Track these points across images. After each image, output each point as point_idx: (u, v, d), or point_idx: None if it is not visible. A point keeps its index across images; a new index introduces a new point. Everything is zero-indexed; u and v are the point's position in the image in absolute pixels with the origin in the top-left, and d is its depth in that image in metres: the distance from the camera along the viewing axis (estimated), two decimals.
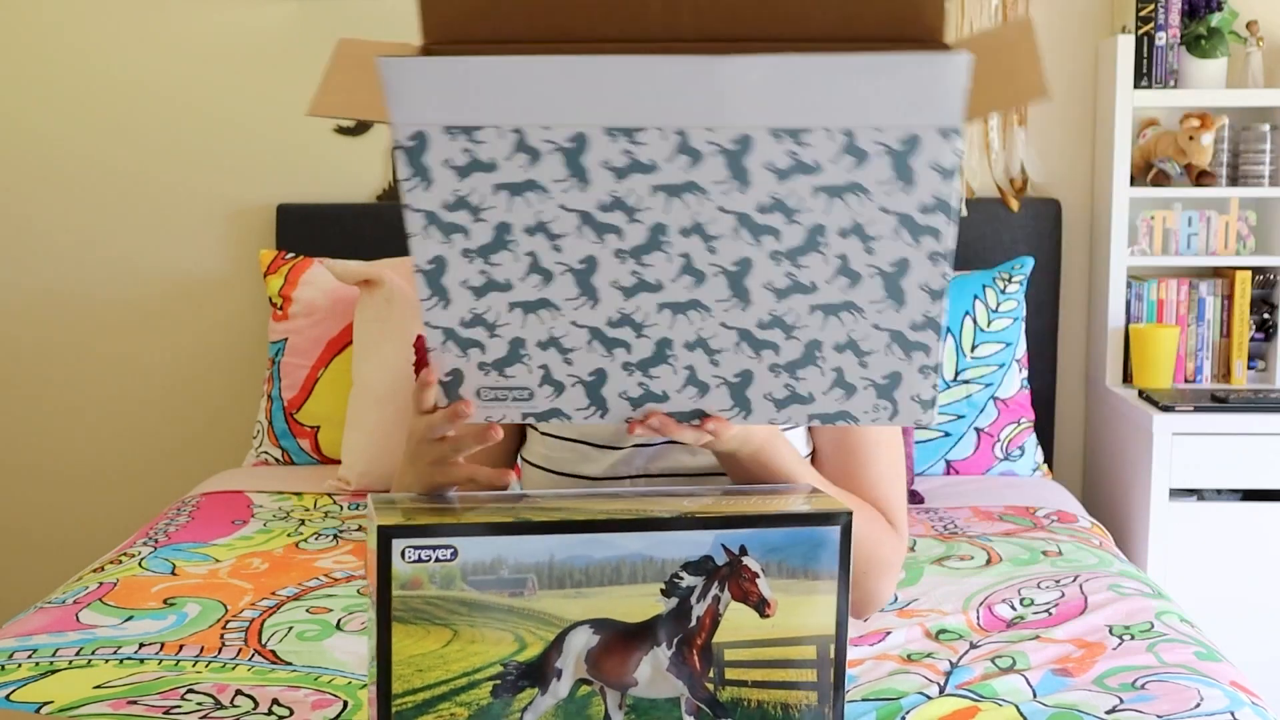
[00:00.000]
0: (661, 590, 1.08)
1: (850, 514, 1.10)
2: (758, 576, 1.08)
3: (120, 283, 3.24)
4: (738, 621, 1.09)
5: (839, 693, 1.10)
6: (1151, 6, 2.91)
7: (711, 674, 1.09)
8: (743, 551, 1.08)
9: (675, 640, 1.09)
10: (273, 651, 1.85)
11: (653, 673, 1.09)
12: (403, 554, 1.03)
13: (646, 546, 1.07)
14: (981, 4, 2.99)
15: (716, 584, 1.08)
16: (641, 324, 1.05)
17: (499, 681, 1.06)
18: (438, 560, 1.04)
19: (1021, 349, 2.86)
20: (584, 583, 1.06)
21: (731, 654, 1.09)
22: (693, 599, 1.08)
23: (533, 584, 1.06)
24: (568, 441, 1.40)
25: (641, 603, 1.08)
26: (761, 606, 1.09)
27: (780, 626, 1.09)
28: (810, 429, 1.42)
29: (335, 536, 2.40)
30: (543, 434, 1.43)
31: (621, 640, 1.08)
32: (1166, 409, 2.72)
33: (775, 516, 1.10)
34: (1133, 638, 1.85)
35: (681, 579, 1.08)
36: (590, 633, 1.07)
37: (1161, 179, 2.98)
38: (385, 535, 1.03)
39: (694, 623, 1.09)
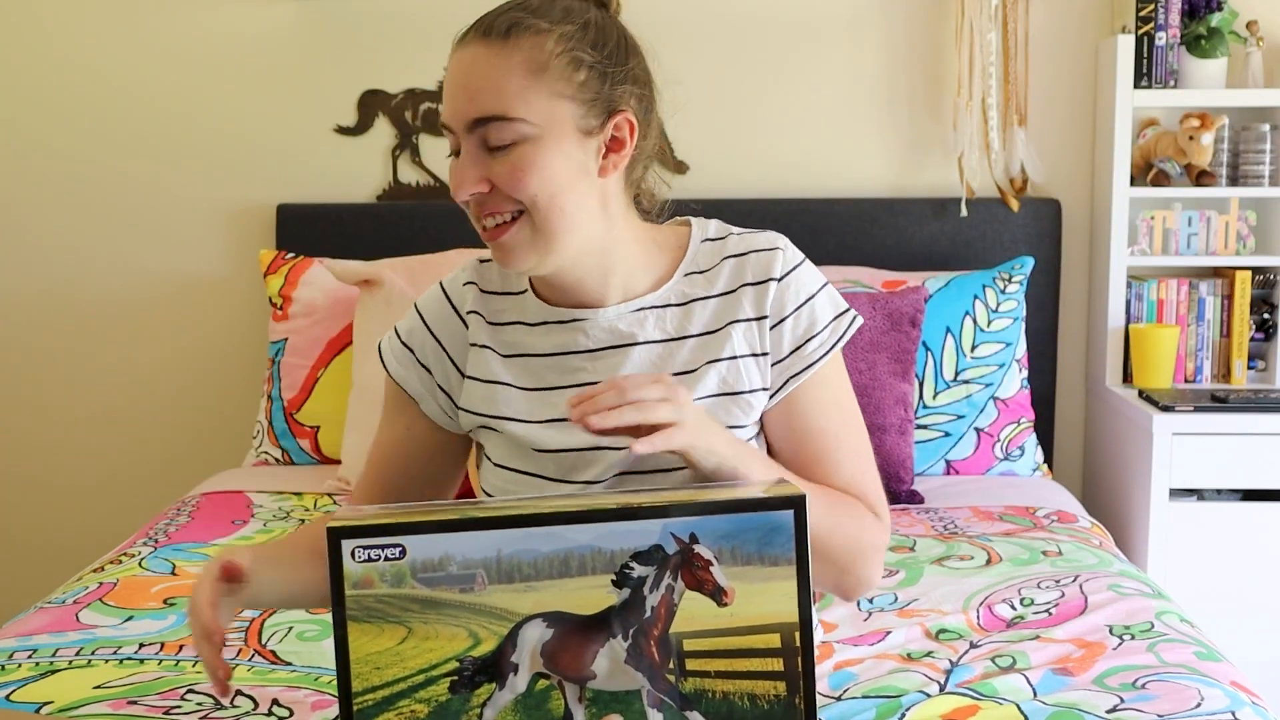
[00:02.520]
0: (613, 581, 1.07)
1: (804, 497, 1.08)
2: (711, 564, 1.06)
3: (121, 283, 3.24)
4: (695, 611, 1.07)
5: (809, 681, 1.08)
6: (1151, 6, 2.91)
7: (672, 665, 1.07)
8: (693, 539, 1.06)
9: (631, 631, 1.07)
10: (273, 652, 1.85)
11: (611, 665, 1.08)
12: (353, 554, 1.06)
13: (594, 538, 1.06)
14: (981, 4, 2.98)
15: (669, 573, 1.07)
16: None
17: (456, 678, 1.07)
18: (386, 559, 1.06)
19: (1021, 349, 2.86)
20: (533, 576, 1.07)
21: (691, 644, 1.08)
22: (645, 589, 1.07)
23: (482, 579, 1.07)
24: (520, 474, 1.37)
25: (593, 594, 1.07)
26: (718, 594, 1.07)
27: (740, 615, 1.07)
28: (765, 439, 1.40)
29: None
30: (495, 465, 1.40)
31: (576, 633, 1.07)
32: (1166, 409, 2.72)
33: (723, 503, 1.08)
34: (1133, 637, 1.84)
35: (632, 569, 1.07)
36: (544, 626, 1.07)
37: (1161, 179, 2.98)
38: (334, 535, 1.07)
39: (649, 613, 1.07)
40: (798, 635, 1.07)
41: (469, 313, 1.40)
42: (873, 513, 1.37)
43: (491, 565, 1.07)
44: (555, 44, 1.28)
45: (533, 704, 1.08)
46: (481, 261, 1.43)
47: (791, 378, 1.36)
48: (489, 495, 1.39)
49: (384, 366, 1.45)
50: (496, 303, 1.41)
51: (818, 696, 1.68)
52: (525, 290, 1.40)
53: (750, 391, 1.35)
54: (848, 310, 1.40)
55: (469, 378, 1.39)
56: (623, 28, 1.36)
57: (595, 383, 1.31)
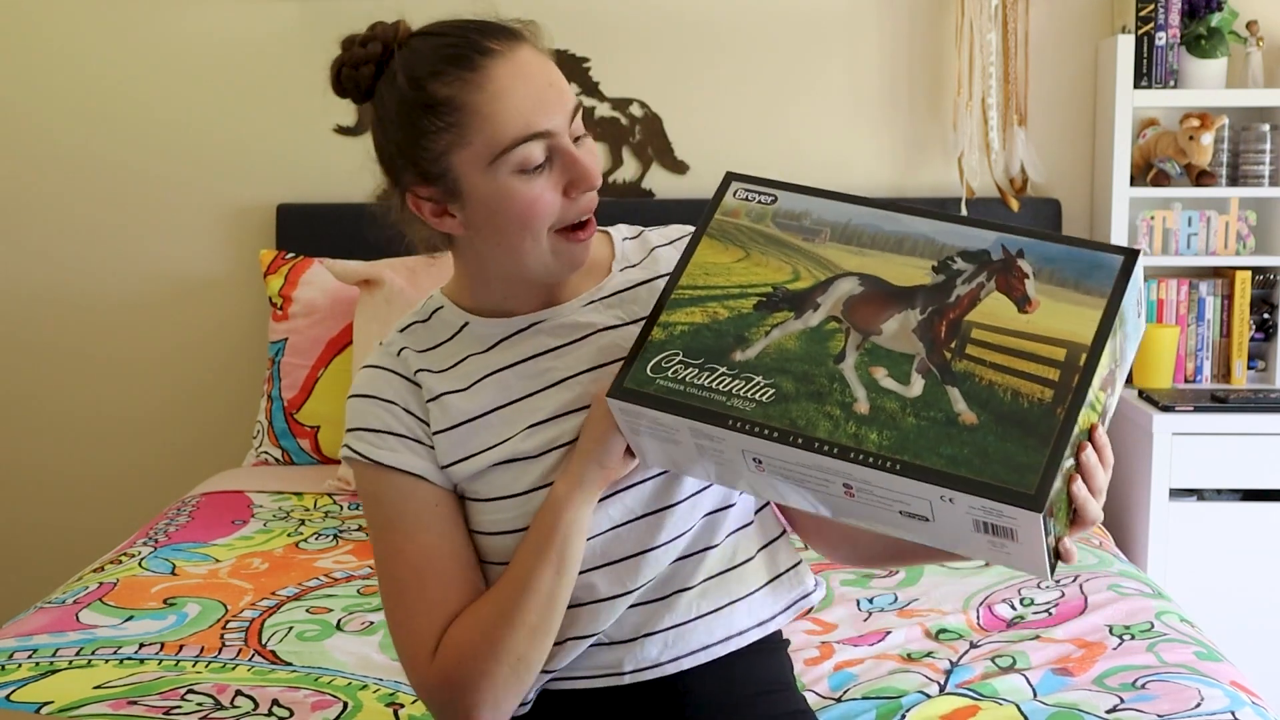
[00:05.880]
0: (933, 267, 1.16)
1: (1138, 252, 1.13)
2: (1027, 277, 1.13)
3: (121, 283, 3.24)
4: (996, 310, 1.12)
5: (1077, 400, 1.07)
6: (1151, 6, 2.91)
7: (953, 345, 1.12)
8: (1019, 254, 1.14)
9: (930, 309, 1.14)
10: (273, 652, 1.85)
11: (899, 329, 1.14)
12: (735, 192, 1.27)
13: (932, 231, 1.18)
14: (981, 4, 2.99)
15: (985, 273, 1.14)
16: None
17: (764, 299, 1.19)
18: (759, 202, 1.25)
19: None
20: (869, 245, 1.19)
21: (979, 334, 1.12)
22: (959, 280, 1.15)
23: (825, 234, 1.22)
24: (515, 498, 1.30)
25: (912, 272, 1.16)
26: (1023, 302, 1.12)
27: (1036, 324, 1.10)
28: None
29: (335, 536, 2.40)
30: (489, 501, 1.32)
31: (882, 296, 1.16)
32: (1166, 409, 2.72)
33: (1062, 237, 1.15)
34: (1133, 637, 1.85)
35: (955, 262, 1.16)
36: (856, 283, 1.18)
37: (1161, 179, 2.98)
38: (728, 177, 1.27)
39: (953, 299, 1.14)
40: (1084, 357, 1.09)
41: (417, 372, 1.33)
42: None
43: (839, 228, 1.21)
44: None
45: (816, 337, 1.16)
46: (399, 331, 1.37)
47: None
48: (488, 552, 1.33)
49: (377, 466, 1.30)
50: (436, 355, 1.35)
51: (819, 697, 1.69)
52: (464, 324, 1.35)
53: None
54: None
55: (437, 434, 1.32)
56: None
57: (569, 377, 1.31)
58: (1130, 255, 1.12)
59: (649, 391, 1.17)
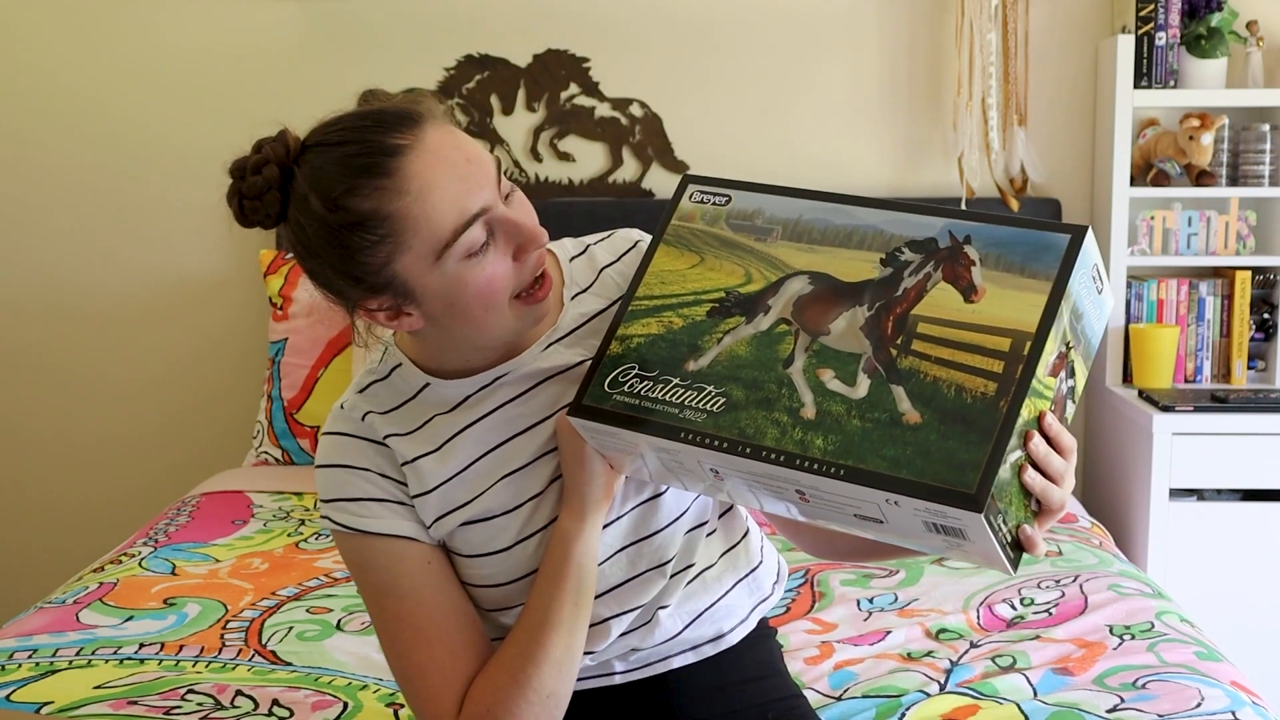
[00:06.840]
0: (881, 260, 1.16)
1: (1086, 228, 1.11)
2: (974, 264, 1.12)
3: (121, 283, 3.24)
4: (942, 300, 1.12)
5: (1020, 392, 1.06)
6: (1151, 6, 2.91)
7: (899, 341, 1.12)
8: (967, 240, 1.13)
9: (877, 304, 1.14)
10: (273, 652, 1.85)
11: (846, 328, 1.15)
12: (690, 195, 1.28)
13: (881, 221, 1.19)
14: (981, 4, 2.99)
15: (932, 263, 1.14)
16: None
17: (717, 305, 1.20)
18: (713, 204, 1.26)
19: None
20: (818, 241, 1.20)
21: (925, 329, 1.11)
22: (906, 272, 1.15)
23: (776, 233, 1.22)
24: (499, 554, 1.30)
25: (859, 266, 1.17)
26: (969, 291, 1.11)
27: (981, 313, 1.10)
28: None
29: None
30: (471, 557, 1.32)
31: (830, 294, 1.17)
32: (1166, 409, 2.72)
33: (1009, 218, 1.15)
34: (1133, 637, 1.85)
35: (902, 253, 1.16)
36: (806, 282, 1.19)
37: (1161, 179, 2.98)
38: (684, 180, 1.29)
39: (900, 292, 1.14)
40: (1027, 346, 1.08)
41: (386, 437, 1.30)
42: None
43: (790, 225, 1.22)
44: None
45: (766, 341, 1.17)
46: (359, 392, 1.34)
47: None
48: (480, 601, 1.33)
49: (364, 535, 1.28)
50: (400, 416, 1.31)
51: (819, 696, 1.69)
52: (425, 385, 1.31)
53: None
54: None
55: (415, 497, 1.30)
56: None
57: (538, 422, 1.28)
58: (1077, 233, 1.10)
59: (605, 408, 1.17)
